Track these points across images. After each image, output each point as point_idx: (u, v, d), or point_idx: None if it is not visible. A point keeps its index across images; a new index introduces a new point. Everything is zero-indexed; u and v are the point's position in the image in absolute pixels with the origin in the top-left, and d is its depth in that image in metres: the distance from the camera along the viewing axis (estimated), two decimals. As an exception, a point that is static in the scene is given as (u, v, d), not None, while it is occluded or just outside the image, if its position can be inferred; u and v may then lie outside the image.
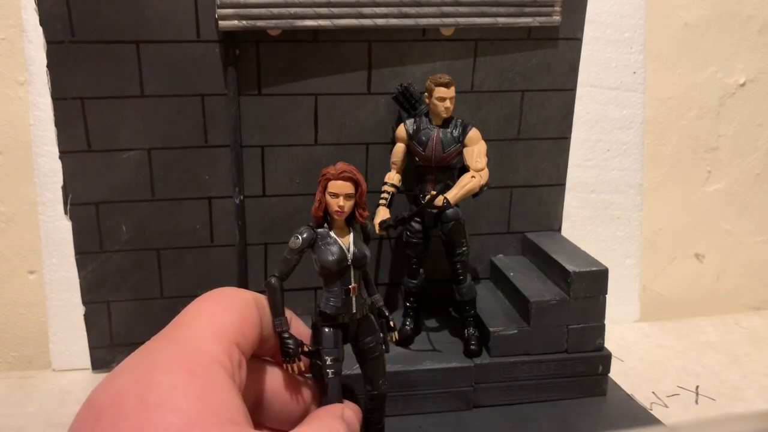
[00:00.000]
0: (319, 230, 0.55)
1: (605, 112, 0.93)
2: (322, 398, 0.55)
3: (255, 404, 0.52)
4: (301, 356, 0.53)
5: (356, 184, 0.55)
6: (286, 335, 0.53)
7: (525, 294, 0.76)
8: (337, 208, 0.54)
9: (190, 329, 0.42)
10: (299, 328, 0.56)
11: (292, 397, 0.54)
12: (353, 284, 0.56)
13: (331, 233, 0.55)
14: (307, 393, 0.55)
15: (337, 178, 0.54)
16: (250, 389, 0.50)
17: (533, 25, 0.81)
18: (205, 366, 0.37)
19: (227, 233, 0.82)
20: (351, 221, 0.56)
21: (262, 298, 0.53)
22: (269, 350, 0.54)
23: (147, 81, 0.76)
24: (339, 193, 0.54)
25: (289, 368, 0.53)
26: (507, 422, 0.72)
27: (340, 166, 0.55)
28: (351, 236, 0.56)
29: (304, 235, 0.54)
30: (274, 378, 0.53)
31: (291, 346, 0.52)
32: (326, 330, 0.55)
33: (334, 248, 0.55)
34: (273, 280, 0.54)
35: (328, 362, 0.54)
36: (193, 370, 0.36)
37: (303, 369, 0.54)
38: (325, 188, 0.55)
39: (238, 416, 0.37)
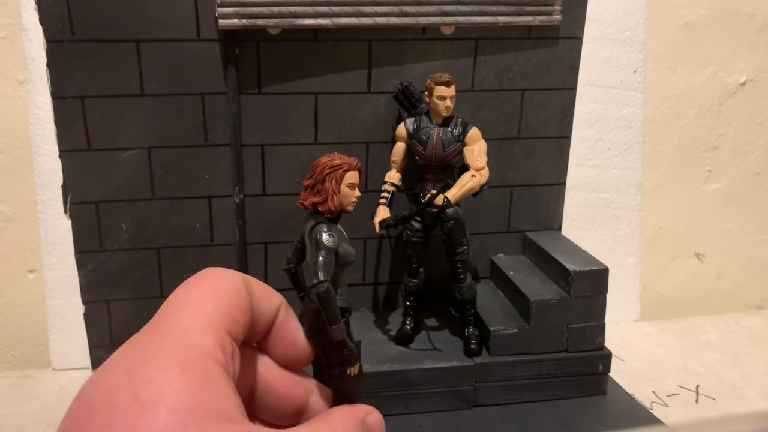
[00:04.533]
0: (336, 225, 0.53)
1: (605, 111, 0.93)
2: (339, 395, 0.53)
3: (248, 396, 0.51)
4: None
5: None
6: (348, 341, 0.50)
7: (525, 293, 0.76)
8: (354, 199, 0.52)
9: (180, 321, 0.42)
10: (293, 325, 0.56)
11: (286, 389, 0.53)
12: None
13: (340, 228, 0.54)
14: (302, 384, 0.54)
15: (355, 168, 0.52)
16: (243, 379, 0.50)
17: (534, 24, 0.80)
18: (199, 361, 0.37)
19: (227, 232, 0.82)
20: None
21: (251, 280, 0.52)
22: (258, 335, 0.53)
23: (147, 80, 0.76)
24: (356, 183, 0.52)
25: (351, 371, 0.50)
26: (507, 422, 0.72)
27: (345, 157, 0.53)
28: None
29: (333, 233, 0.52)
30: (265, 368, 0.52)
31: (354, 351, 0.47)
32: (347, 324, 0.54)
33: (347, 242, 0.53)
34: (328, 286, 0.46)
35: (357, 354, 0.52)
36: (187, 366, 0.36)
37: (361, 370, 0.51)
38: (340, 180, 0.52)
39: (234, 413, 0.37)
